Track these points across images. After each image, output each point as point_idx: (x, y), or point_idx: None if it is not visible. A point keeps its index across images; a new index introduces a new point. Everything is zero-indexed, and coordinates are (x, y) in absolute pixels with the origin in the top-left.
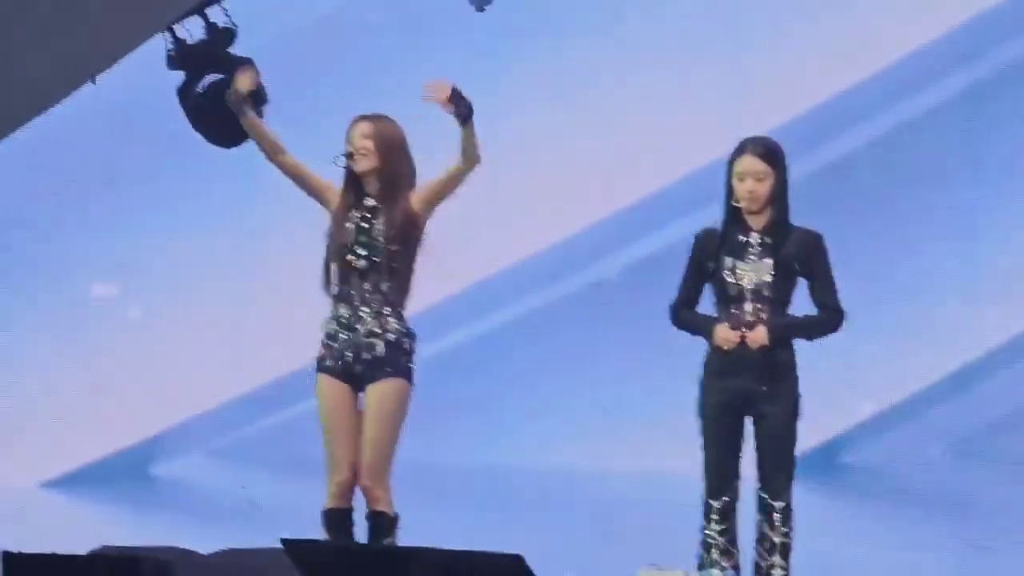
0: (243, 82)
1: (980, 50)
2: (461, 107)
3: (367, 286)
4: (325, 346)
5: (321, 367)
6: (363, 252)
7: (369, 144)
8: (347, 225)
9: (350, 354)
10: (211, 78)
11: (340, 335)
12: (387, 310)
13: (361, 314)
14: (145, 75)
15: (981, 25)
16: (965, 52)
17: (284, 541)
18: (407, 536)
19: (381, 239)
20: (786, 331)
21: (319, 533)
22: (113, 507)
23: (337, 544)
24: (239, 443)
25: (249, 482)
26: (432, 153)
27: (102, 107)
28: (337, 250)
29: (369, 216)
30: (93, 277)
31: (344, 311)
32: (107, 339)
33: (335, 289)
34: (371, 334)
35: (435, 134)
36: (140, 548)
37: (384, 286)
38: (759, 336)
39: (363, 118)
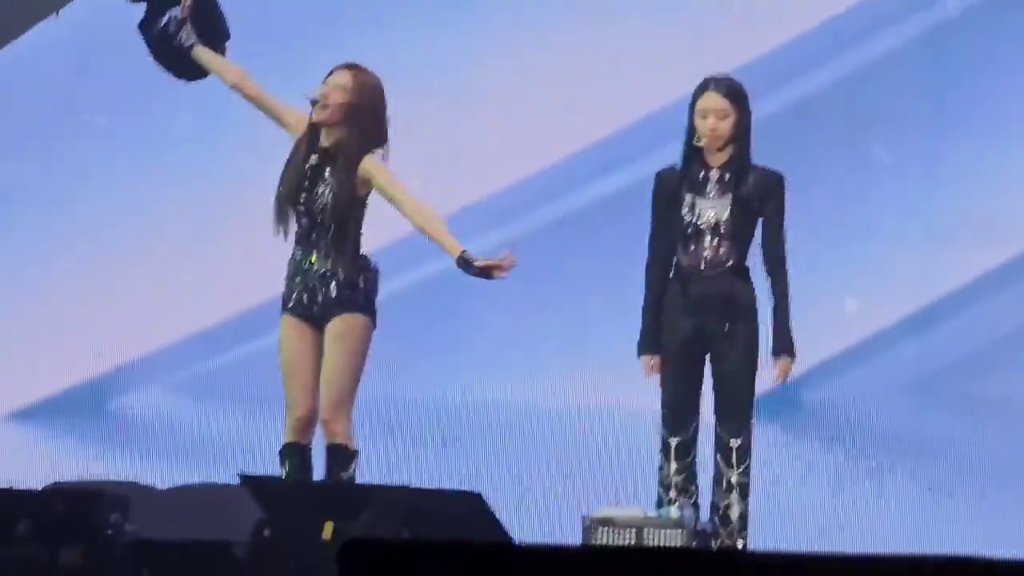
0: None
1: None
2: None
3: (315, 232)
4: (286, 286)
5: (283, 307)
6: (303, 206)
7: (340, 97)
8: (294, 172)
9: (306, 295)
10: (173, 11)
11: (296, 276)
12: (335, 252)
13: (312, 256)
14: (108, 8)
15: None
16: None
17: (243, 476)
18: (368, 472)
19: (322, 198)
20: (787, 331)
21: (278, 469)
22: (71, 441)
23: (296, 481)
24: (198, 378)
25: (208, 417)
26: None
27: (65, 40)
28: (286, 194)
29: (317, 168)
30: (51, 210)
31: (298, 252)
32: (65, 272)
33: (297, 231)
34: (324, 275)
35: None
36: (97, 482)
37: (330, 233)
38: (785, 370)
39: (346, 67)
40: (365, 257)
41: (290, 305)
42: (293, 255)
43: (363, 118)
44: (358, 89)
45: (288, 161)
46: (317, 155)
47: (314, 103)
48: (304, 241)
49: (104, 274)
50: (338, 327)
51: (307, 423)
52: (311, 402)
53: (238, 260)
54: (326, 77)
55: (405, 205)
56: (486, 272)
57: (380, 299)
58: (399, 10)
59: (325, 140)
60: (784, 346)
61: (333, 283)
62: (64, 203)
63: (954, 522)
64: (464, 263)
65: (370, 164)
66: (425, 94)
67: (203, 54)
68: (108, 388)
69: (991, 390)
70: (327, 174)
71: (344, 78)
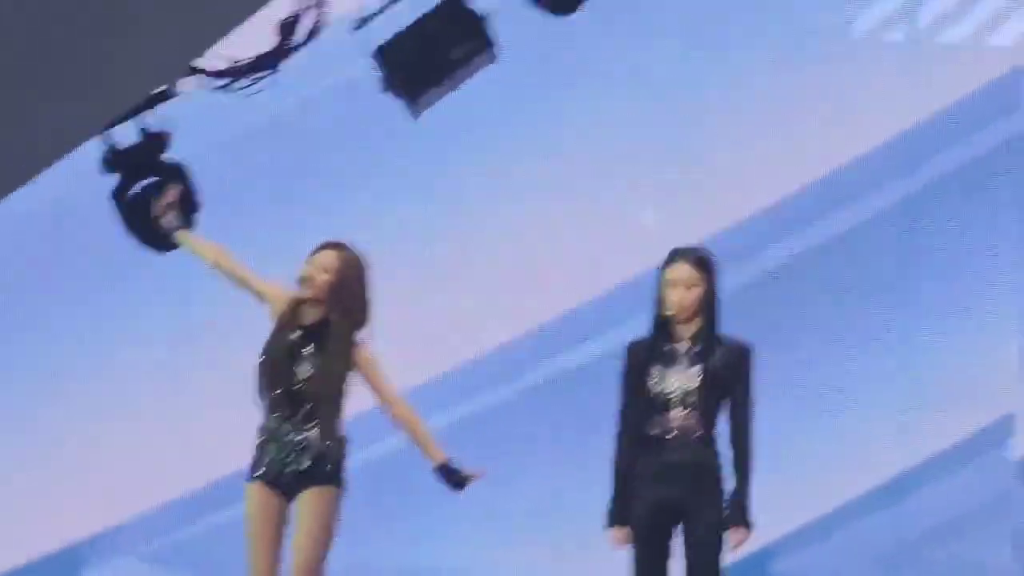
0: (163, 207)
1: (915, 162)
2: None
3: (293, 403)
4: (256, 455)
5: (251, 476)
6: (286, 378)
7: (325, 279)
8: (279, 345)
9: (277, 466)
10: (145, 181)
11: (269, 445)
12: (311, 424)
13: (287, 427)
14: (80, 178)
15: (916, 137)
16: (900, 164)
17: None
18: None
19: (308, 372)
20: (745, 503)
21: None
22: None
23: None
24: (169, 548)
25: None
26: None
27: (37, 209)
28: (268, 364)
29: (300, 344)
30: (26, 382)
31: (272, 423)
32: (37, 441)
33: (268, 403)
34: (297, 446)
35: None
36: None
37: (308, 404)
38: (739, 541)
39: (332, 247)
40: (337, 427)
41: (259, 472)
42: (267, 423)
43: (348, 298)
44: (343, 269)
45: (273, 335)
46: (301, 331)
47: (301, 281)
48: (281, 411)
49: (75, 443)
50: (311, 499)
51: None
52: (275, 573)
53: (208, 430)
54: (312, 255)
55: (395, 407)
56: (464, 481)
57: (348, 468)
58: (375, 177)
59: (308, 317)
60: (740, 518)
61: (307, 455)
62: (33, 371)
63: None
64: (447, 471)
65: (364, 356)
66: (393, 265)
67: (184, 236)
68: (80, 557)
69: (965, 559)
70: (310, 351)
71: (329, 258)
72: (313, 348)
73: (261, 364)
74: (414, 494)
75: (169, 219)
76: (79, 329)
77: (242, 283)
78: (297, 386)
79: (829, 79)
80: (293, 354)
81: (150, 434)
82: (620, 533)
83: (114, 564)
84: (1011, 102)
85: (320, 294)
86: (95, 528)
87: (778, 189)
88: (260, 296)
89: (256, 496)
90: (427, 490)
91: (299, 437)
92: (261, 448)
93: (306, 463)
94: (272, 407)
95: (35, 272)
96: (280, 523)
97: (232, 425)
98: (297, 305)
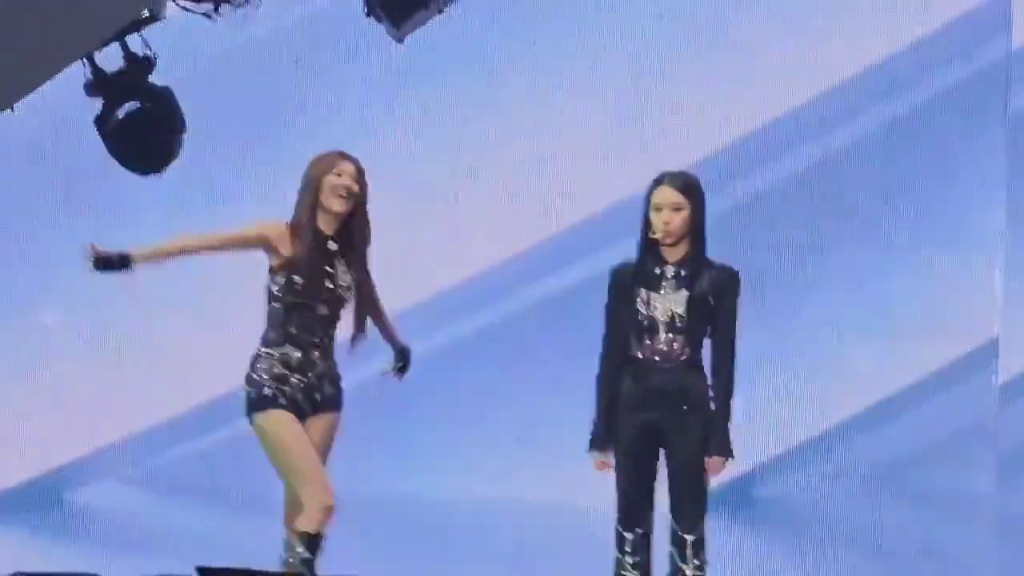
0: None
1: (898, 87)
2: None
3: (324, 332)
4: (272, 387)
5: (273, 404)
6: (329, 299)
7: (357, 188)
8: (315, 272)
9: (301, 395)
10: (129, 106)
11: (291, 378)
12: (332, 351)
13: (314, 358)
14: (64, 102)
15: (899, 62)
16: (882, 90)
17: (199, 569)
18: (325, 566)
19: (345, 289)
20: (725, 430)
21: (233, 560)
22: (29, 534)
23: (254, 572)
24: (153, 471)
25: (163, 510)
26: None
27: (20, 134)
28: (300, 295)
29: (335, 262)
30: (8, 305)
31: (295, 354)
32: (22, 365)
33: (282, 330)
34: (322, 377)
35: None
36: (56, 574)
37: (335, 332)
38: (717, 468)
39: (347, 158)
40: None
41: (281, 402)
42: (285, 357)
43: (364, 211)
44: (364, 179)
45: (297, 263)
46: (332, 245)
47: (340, 194)
48: (309, 337)
49: (61, 365)
50: (326, 424)
51: (332, 510)
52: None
53: (195, 353)
54: (334, 168)
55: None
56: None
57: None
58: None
59: (334, 230)
60: (720, 446)
61: (331, 386)
62: (14, 296)
63: None
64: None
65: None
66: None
67: (138, 253)
68: (64, 481)
69: (944, 483)
70: (343, 271)
71: (354, 169)
72: (338, 274)
73: (301, 288)
74: (397, 421)
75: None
76: (63, 253)
77: (227, 245)
78: (325, 316)
79: (815, 2)
80: (324, 285)
81: (133, 358)
82: (603, 456)
83: (97, 488)
84: (995, 26)
85: (351, 206)
86: (78, 452)
87: (760, 115)
88: (258, 241)
89: (286, 419)
90: (410, 417)
91: (323, 364)
92: (278, 381)
93: (328, 389)
94: (290, 339)
95: (18, 196)
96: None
97: (217, 349)
98: (314, 230)
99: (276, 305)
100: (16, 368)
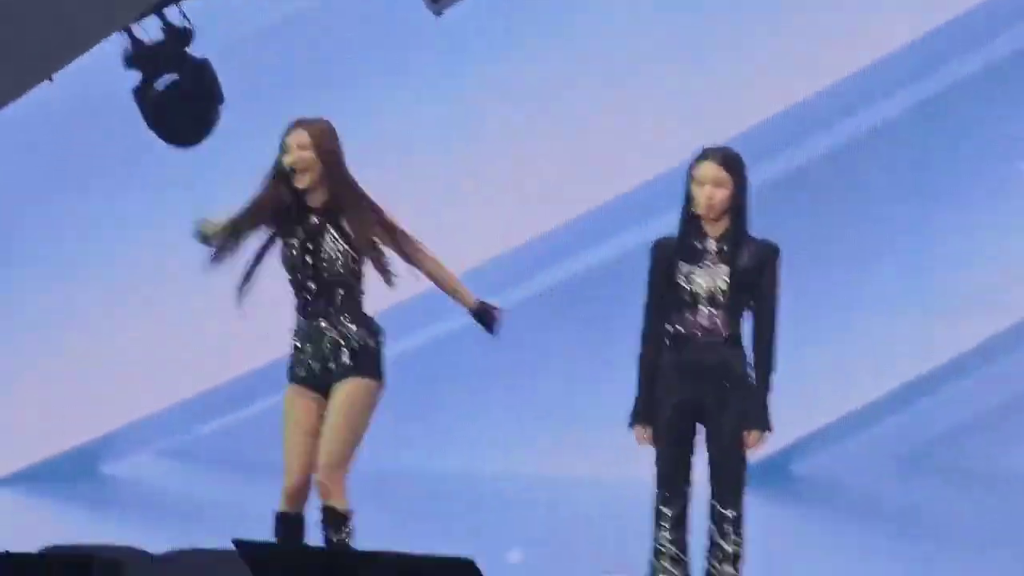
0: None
1: (933, 65)
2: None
3: (321, 301)
4: (294, 357)
5: (289, 377)
6: (310, 273)
7: (308, 155)
8: (292, 243)
9: (316, 363)
10: (167, 77)
11: (305, 346)
12: (345, 318)
13: (319, 326)
14: (102, 74)
15: (938, 39)
16: (919, 66)
17: (235, 542)
18: (362, 540)
19: (330, 257)
20: (764, 405)
21: (270, 534)
22: (65, 505)
23: (288, 546)
24: (190, 443)
25: (199, 482)
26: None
27: (58, 105)
28: (288, 269)
29: (315, 234)
30: (47, 276)
31: (303, 324)
32: (59, 337)
33: (297, 302)
34: (334, 344)
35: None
36: (92, 546)
37: (338, 298)
38: (754, 443)
39: (298, 124)
40: (373, 320)
41: (298, 375)
42: (297, 327)
43: (341, 164)
44: (323, 140)
45: (281, 236)
46: (313, 218)
47: (291, 172)
48: (312, 310)
49: (97, 340)
50: (347, 388)
51: (297, 492)
52: (306, 470)
53: (229, 329)
54: (283, 143)
55: (424, 262)
56: (496, 318)
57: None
58: (389, 78)
59: (313, 200)
60: (759, 421)
61: (347, 352)
62: (52, 270)
63: None
64: (484, 312)
65: (384, 221)
66: (416, 163)
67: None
68: (101, 453)
69: (981, 461)
70: (327, 239)
71: (302, 137)
72: (334, 232)
73: (284, 260)
74: (434, 397)
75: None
76: (101, 224)
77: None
78: (327, 275)
79: None
80: (303, 259)
81: (169, 330)
82: (644, 431)
83: (132, 460)
84: None
85: (314, 174)
86: (114, 424)
87: (802, 90)
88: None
89: (292, 395)
90: (448, 392)
91: (336, 333)
92: (298, 350)
93: (346, 358)
94: (305, 304)
95: (58, 166)
96: (316, 421)
97: (254, 322)
98: (292, 202)
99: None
100: (51, 340)
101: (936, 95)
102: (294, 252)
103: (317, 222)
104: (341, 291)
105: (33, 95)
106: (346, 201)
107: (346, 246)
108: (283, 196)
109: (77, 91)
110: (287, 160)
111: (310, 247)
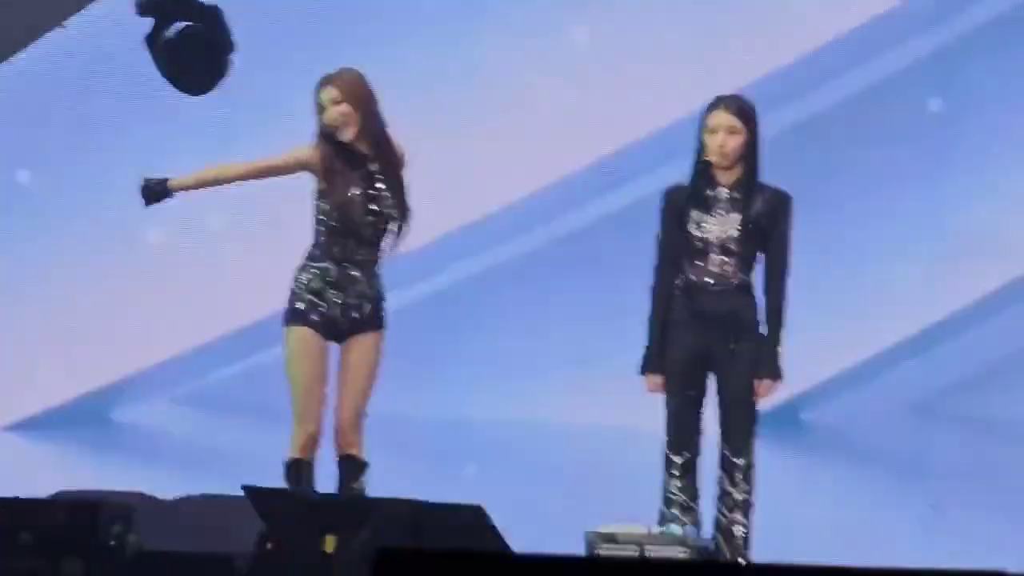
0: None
1: (950, 10)
2: None
3: (364, 250)
4: (307, 300)
5: (301, 320)
6: (372, 220)
7: (345, 108)
8: (354, 192)
9: (337, 312)
10: (180, 25)
11: (328, 292)
12: (376, 271)
13: (353, 275)
14: (115, 20)
15: None
16: (935, 12)
17: (246, 488)
18: (373, 487)
19: (389, 207)
20: (774, 354)
21: (280, 481)
22: (75, 451)
23: (299, 492)
24: (201, 390)
25: (211, 429)
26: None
27: (71, 51)
28: (341, 217)
29: (373, 182)
30: (54, 222)
31: (334, 270)
32: (70, 285)
33: (324, 247)
34: (361, 295)
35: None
36: (100, 492)
37: (379, 251)
38: (766, 391)
39: (327, 80)
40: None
41: (313, 318)
42: (324, 273)
43: (376, 109)
44: (355, 90)
45: (334, 187)
46: (372, 165)
47: (331, 131)
48: (349, 257)
49: (106, 286)
50: (371, 342)
51: (316, 439)
52: (322, 418)
53: (239, 274)
54: (318, 101)
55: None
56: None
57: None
58: (402, 24)
59: (362, 147)
60: (770, 369)
61: (369, 304)
62: (66, 215)
63: (955, 538)
64: None
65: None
66: (427, 110)
67: (182, 181)
68: (111, 399)
69: (993, 409)
70: (386, 188)
71: (335, 92)
72: (381, 194)
73: (340, 208)
74: (447, 343)
75: (156, 182)
76: (112, 172)
77: (266, 173)
78: (380, 226)
79: None
80: (367, 207)
81: (181, 277)
82: (656, 379)
83: (144, 407)
84: None
85: (354, 126)
86: (125, 371)
87: (812, 38)
88: (297, 165)
89: (308, 340)
90: (459, 339)
91: (367, 284)
92: (315, 295)
93: (367, 308)
94: (342, 249)
95: (69, 114)
96: (327, 366)
97: (264, 269)
98: (341, 154)
99: (320, 226)
100: (62, 288)
101: (950, 42)
102: (355, 200)
103: (374, 170)
104: (381, 243)
105: (45, 42)
106: (388, 150)
107: (398, 199)
108: (331, 155)
109: (89, 38)
110: (325, 119)
111: (372, 194)
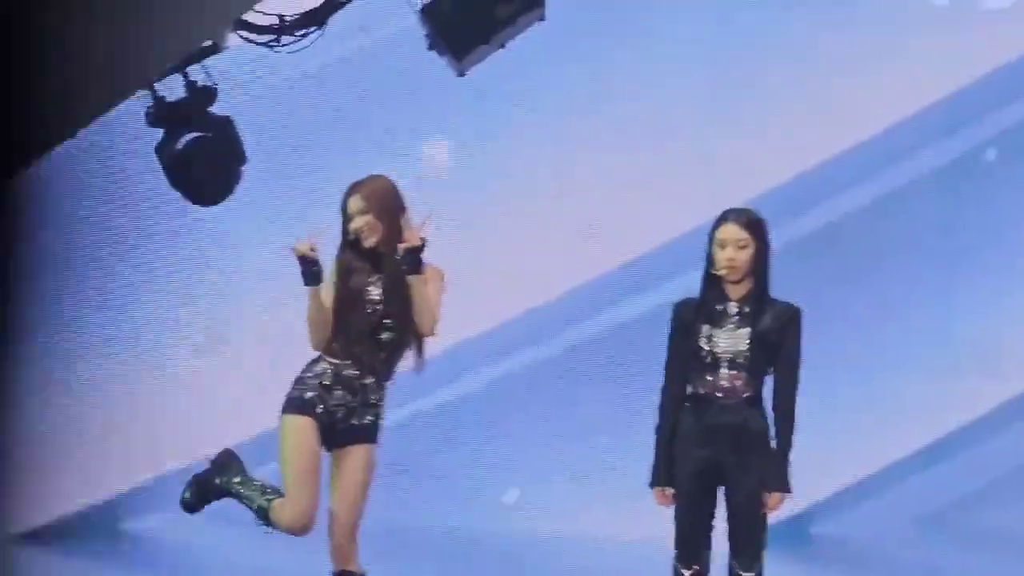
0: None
1: (958, 125)
2: (410, 261)
3: (381, 356)
4: (315, 390)
5: (305, 409)
6: (389, 324)
7: (370, 219)
8: (371, 297)
9: (341, 414)
10: (189, 136)
11: (337, 391)
12: (385, 379)
13: (366, 382)
14: (125, 132)
15: (958, 102)
16: (944, 127)
17: None
18: None
19: (401, 314)
20: (784, 467)
21: None
22: (89, 563)
23: None
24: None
25: (222, 539)
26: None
27: (82, 163)
28: (357, 320)
29: (389, 291)
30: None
31: (349, 371)
32: (82, 394)
33: (343, 345)
34: (367, 404)
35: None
36: None
37: (393, 360)
38: (775, 505)
39: (354, 187)
40: None
41: (318, 410)
42: (339, 370)
43: (399, 219)
44: (381, 200)
45: (352, 290)
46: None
47: (357, 236)
48: (361, 363)
49: (117, 396)
50: (368, 453)
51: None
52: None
53: (259, 381)
54: (345, 208)
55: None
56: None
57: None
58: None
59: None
60: (779, 482)
61: (372, 416)
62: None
63: None
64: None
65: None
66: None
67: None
68: (127, 508)
69: (1002, 523)
70: (397, 296)
71: (360, 203)
72: (393, 301)
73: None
74: (454, 454)
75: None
76: (123, 282)
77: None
78: (385, 342)
79: (872, 42)
80: (384, 311)
81: (197, 385)
82: (666, 491)
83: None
84: None
85: (377, 234)
86: (140, 480)
87: (821, 152)
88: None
89: (308, 430)
90: (467, 451)
91: (376, 396)
92: (324, 389)
93: (368, 418)
94: (347, 354)
95: (79, 224)
96: (319, 459)
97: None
98: (362, 258)
99: (336, 322)
100: (79, 395)
101: (957, 159)
102: (374, 297)
103: (396, 272)
104: (396, 351)
105: (58, 153)
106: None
107: (399, 311)
108: (353, 260)
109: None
110: (352, 227)
111: (385, 300)
